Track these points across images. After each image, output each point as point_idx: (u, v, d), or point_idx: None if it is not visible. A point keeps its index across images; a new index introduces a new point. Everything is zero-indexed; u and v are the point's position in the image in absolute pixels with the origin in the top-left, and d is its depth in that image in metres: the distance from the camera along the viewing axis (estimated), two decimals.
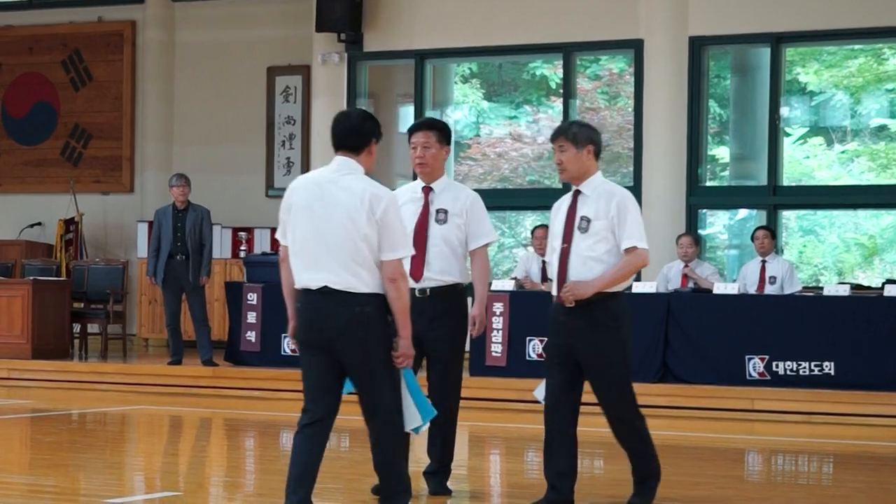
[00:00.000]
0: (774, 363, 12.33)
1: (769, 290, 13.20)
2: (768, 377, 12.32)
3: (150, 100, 18.63)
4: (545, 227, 13.97)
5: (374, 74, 17.01)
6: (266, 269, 14.03)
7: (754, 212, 15.73)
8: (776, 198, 15.10)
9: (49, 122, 19.18)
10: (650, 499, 7.07)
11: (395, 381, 6.02)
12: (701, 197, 15.31)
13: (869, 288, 13.46)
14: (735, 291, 12.75)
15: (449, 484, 7.55)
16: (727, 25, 15.00)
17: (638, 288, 12.62)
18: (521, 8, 15.81)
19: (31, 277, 15.70)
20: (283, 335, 13.39)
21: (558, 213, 7.05)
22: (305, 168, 17.11)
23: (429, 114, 16.05)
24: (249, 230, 16.92)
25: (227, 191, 17.72)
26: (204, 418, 12.38)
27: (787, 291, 13.14)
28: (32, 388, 14.22)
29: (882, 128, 16.81)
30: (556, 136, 7.02)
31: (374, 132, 6.12)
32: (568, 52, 15.80)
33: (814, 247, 17.59)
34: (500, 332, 13.00)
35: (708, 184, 15.57)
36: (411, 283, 7.38)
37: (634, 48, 15.40)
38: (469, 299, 7.40)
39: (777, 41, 14.92)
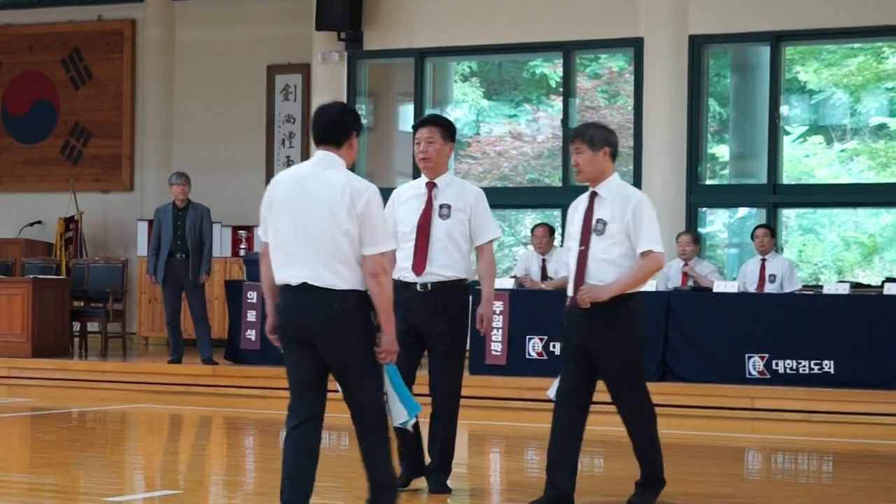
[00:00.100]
0: (774, 361, 12.32)
1: (769, 288, 13.19)
2: (768, 375, 12.31)
3: (149, 98, 18.62)
4: (545, 225, 13.97)
5: (373, 73, 17.01)
6: None
7: (754, 210, 15.73)
8: (776, 196, 15.10)
9: (49, 121, 19.17)
10: (651, 499, 7.09)
11: (377, 378, 5.94)
12: (701, 195, 15.31)
13: (868, 286, 13.45)
14: (735, 290, 12.74)
15: (449, 482, 7.55)
16: (727, 24, 15.00)
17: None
18: (521, 6, 15.80)
19: (31, 276, 15.69)
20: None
21: (575, 214, 7.06)
22: None
23: (428, 112, 16.03)
24: (249, 228, 16.91)
25: (226, 189, 17.70)
26: (204, 417, 12.38)
27: (787, 290, 13.13)
28: (32, 387, 14.21)
29: (882, 126, 16.79)
30: (573, 138, 7.04)
31: (354, 125, 6.05)
32: (568, 50, 15.80)
33: (813, 245, 17.57)
34: (500, 330, 12.98)
35: (708, 182, 15.56)
36: (413, 278, 7.40)
37: (634, 47, 15.40)
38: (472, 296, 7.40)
39: (777, 40, 14.92)
